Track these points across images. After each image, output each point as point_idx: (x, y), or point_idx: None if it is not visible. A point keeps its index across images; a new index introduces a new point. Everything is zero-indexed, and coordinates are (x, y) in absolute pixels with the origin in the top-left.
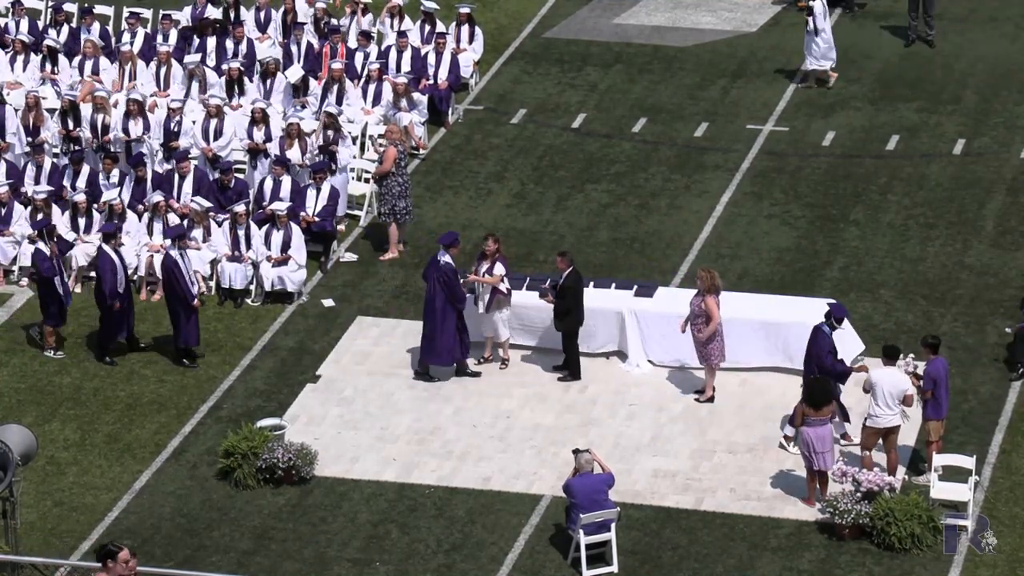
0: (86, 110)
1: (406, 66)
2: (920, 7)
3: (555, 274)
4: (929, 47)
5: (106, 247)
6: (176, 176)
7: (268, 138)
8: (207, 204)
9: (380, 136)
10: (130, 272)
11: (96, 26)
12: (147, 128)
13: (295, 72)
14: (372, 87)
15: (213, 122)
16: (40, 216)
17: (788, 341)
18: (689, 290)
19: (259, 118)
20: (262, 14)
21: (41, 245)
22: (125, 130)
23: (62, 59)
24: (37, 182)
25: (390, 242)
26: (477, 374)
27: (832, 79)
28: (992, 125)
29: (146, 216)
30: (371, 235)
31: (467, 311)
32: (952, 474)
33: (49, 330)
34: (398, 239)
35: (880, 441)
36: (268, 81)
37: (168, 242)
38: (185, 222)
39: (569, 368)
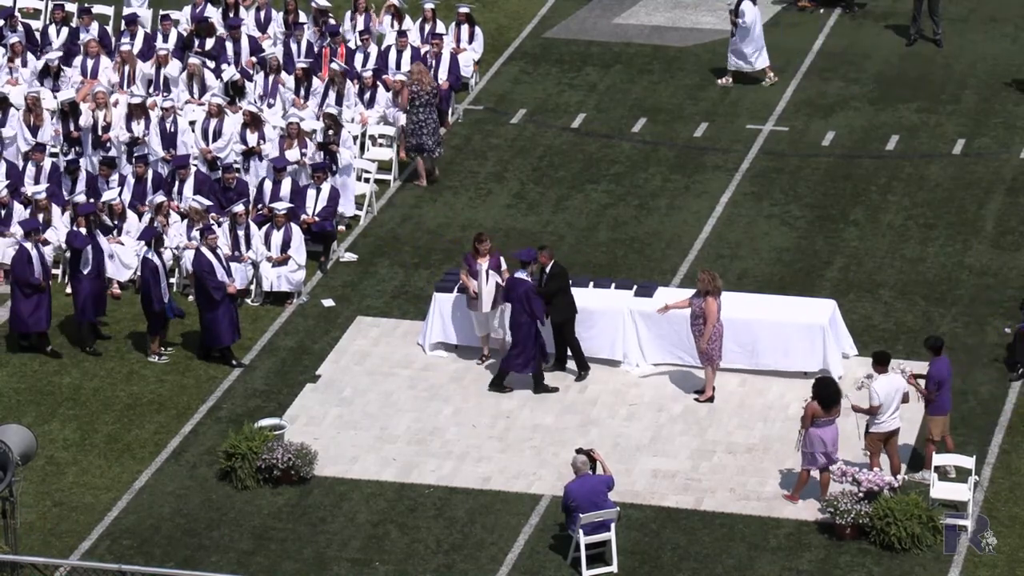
0: (86, 110)
1: (406, 66)
2: (925, 6)
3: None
4: (937, 46)
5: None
6: (176, 180)
7: (261, 140)
8: (206, 203)
9: (381, 136)
10: (128, 275)
11: (95, 26)
12: (147, 125)
13: (298, 67)
14: (369, 90)
15: (213, 122)
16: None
17: (787, 342)
18: (689, 290)
19: (250, 120)
20: (262, 14)
21: (150, 254)
22: (128, 130)
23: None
24: (37, 182)
25: (418, 173)
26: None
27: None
28: (992, 125)
29: (147, 216)
30: (371, 235)
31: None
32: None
33: (153, 337)
34: (427, 169)
35: (882, 445)
36: (269, 80)
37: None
38: (185, 222)
39: (576, 363)
